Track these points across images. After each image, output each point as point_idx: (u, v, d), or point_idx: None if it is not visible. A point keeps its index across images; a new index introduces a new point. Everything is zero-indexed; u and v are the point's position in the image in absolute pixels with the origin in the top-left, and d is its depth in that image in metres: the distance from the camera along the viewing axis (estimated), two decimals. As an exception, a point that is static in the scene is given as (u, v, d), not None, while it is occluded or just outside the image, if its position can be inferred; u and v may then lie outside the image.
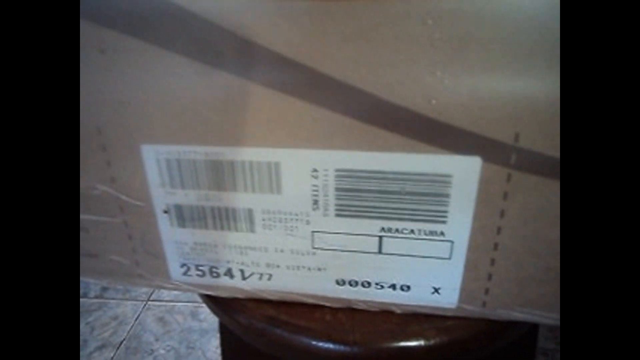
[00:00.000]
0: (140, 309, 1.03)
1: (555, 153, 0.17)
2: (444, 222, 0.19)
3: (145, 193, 0.21)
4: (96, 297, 1.05)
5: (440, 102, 0.17)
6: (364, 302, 0.23)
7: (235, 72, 0.18)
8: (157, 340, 0.93)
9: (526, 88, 0.16)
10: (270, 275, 0.23)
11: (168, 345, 0.90)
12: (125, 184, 0.21)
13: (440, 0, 0.15)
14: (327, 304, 0.23)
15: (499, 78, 0.16)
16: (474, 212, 0.19)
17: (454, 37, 0.16)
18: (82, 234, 0.23)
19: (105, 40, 0.18)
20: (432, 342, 0.22)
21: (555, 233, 0.19)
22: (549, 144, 0.17)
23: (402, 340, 0.22)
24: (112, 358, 0.88)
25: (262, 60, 0.17)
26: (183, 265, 0.23)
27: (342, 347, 0.22)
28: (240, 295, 0.24)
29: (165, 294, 1.08)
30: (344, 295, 0.23)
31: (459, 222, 0.19)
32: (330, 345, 0.22)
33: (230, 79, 0.18)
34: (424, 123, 0.17)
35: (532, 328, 0.26)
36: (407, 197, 0.19)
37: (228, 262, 0.23)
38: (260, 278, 0.23)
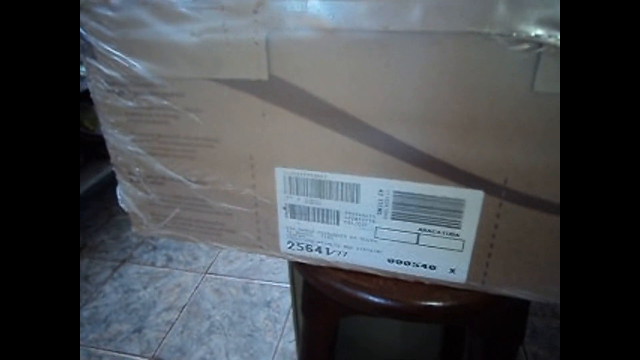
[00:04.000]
0: (200, 280, 1.16)
1: (529, 191, 0.29)
2: (458, 227, 0.32)
3: (272, 195, 0.35)
4: (162, 266, 1.21)
5: (459, 157, 0.29)
6: (405, 275, 0.36)
7: (341, 132, 0.31)
8: (213, 308, 1.06)
9: (510, 153, 0.29)
10: (346, 253, 0.36)
11: (223, 313, 1.04)
12: (261, 189, 0.35)
13: (456, 104, 0.28)
14: (381, 275, 0.37)
15: (494, 146, 0.29)
16: (477, 223, 0.32)
17: (469, 122, 0.28)
18: (227, 217, 0.38)
19: (266, 108, 0.31)
20: (448, 303, 0.35)
21: (530, 239, 0.31)
22: (525, 185, 0.29)
23: (428, 300, 0.35)
24: (176, 319, 1.03)
25: (356, 127, 0.30)
26: (289, 242, 0.37)
27: (389, 302, 0.35)
28: (323, 265, 0.38)
29: (221, 268, 1.20)
30: (392, 270, 0.36)
31: (468, 229, 0.32)
32: (382, 300, 0.35)
33: (336, 136, 0.31)
34: (449, 168, 0.30)
35: (523, 303, 0.39)
36: (436, 210, 0.32)
37: (319, 242, 0.36)
38: (339, 254, 0.36)
